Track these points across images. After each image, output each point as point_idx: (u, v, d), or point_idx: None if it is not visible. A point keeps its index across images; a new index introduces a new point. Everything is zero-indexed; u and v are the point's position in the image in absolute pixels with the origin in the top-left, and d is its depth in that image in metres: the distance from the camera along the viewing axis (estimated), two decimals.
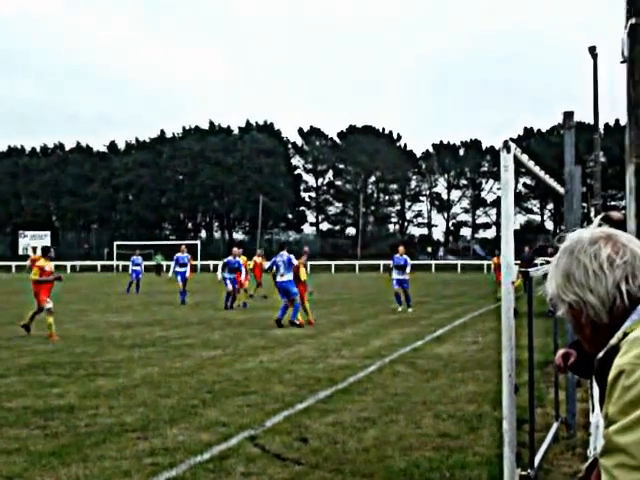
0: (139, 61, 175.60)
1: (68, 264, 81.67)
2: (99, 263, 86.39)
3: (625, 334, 1.77)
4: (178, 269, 30.84)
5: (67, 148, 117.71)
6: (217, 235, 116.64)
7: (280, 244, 24.91)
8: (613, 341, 1.79)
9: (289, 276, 21.05)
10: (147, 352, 15.12)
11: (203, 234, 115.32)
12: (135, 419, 9.16)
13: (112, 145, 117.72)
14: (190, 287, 31.37)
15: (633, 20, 3.04)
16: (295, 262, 21.21)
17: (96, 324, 20.91)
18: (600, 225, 2.01)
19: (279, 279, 21.19)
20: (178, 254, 31.44)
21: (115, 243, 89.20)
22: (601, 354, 1.83)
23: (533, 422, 6.63)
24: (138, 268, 38.15)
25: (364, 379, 12.00)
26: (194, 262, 39.94)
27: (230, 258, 27.90)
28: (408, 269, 26.08)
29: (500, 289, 22.44)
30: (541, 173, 7.44)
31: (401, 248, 26.71)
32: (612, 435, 1.64)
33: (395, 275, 25.94)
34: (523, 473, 5.91)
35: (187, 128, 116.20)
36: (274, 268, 21.44)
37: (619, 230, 1.96)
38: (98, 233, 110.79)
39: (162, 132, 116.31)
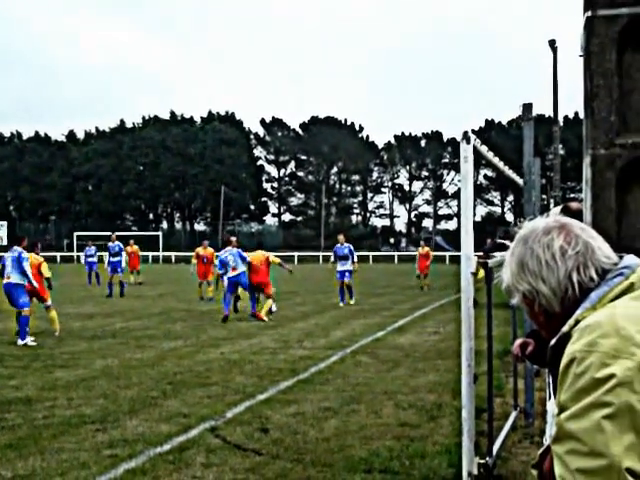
0: (96, 49, 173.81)
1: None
2: (58, 254, 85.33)
3: (577, 321, 1.79)
4: (111, 259, 30.59)
5: (25, 137, 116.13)
6: (178, 226, 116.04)
7: (225, 240, 23.57)
8: (565, 329, 1.81)
9: (242, 268, 20.04)
10: (107, 343, 15.01)
11: (164, 225, 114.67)
12: (94, 411, 9.09)
13: (71, 134, 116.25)
14: (152, 278, 31.14)
15: (589, 13, 3.07)
16: (245, 255, 20.37)
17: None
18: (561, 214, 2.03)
19: (231, 274, 20.10)
20: (109, 243, 31.07)
21: (75, 234, 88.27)
22: (553, 342, 1.85)
23: (492, 411, 6.69)
24: (92, 259, 37.56)
25: (325, 369, 12.02)
26: (157, 253, 39.45)
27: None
28: (354, 258, 24.94)
29: (423, 279, 22.54)
30: (501, 164, 7.49)
31: (341, 237, 25.36)
32: (563, 422, 1.65)
33: (338, 267, 24.74)
34: (481, 461, 5.97)
35: (148, 118, 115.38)
36: (221, 269, 20.78)
37: (575, 220, 1.97)
38: (57, 224, 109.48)
39: (122, 122, 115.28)
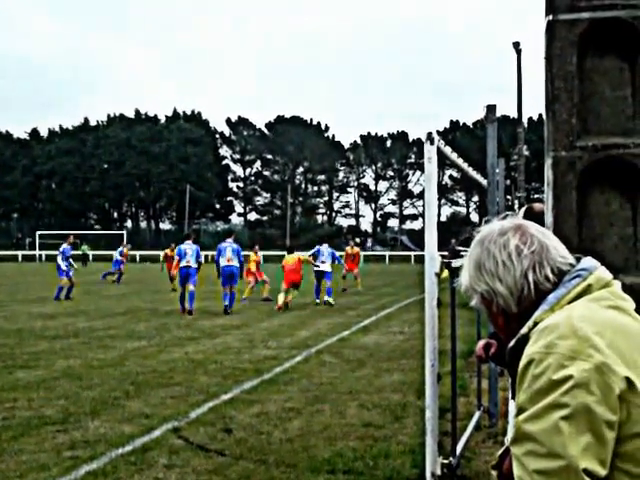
0: (61, 47, 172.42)
1: None
2: (20, 253, 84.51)
3: (535, 323, 1.81)
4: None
5: None
6: (143, 225, 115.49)
7: (185, 235, 24.33)
8: (523, 330, 1.83)
9: (194, 264, 21.58)
10: (69, 343, 14.87)
11: (129, 224, 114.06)
12: (55, 412, 8.99)
13: (34, 132, 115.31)
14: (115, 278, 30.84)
15: (550, 17, 3.10)
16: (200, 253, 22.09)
17: (16, 315, 20.47)
18: (523, 217, 2.06)
19: (225, 264, 21.65)
20: (64, 245, 29.92)
21: (38, 232, 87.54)
22: (512, 343, 1.87)
23: (455, 411, 6.72)
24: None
25: (290, 369, 12.01)
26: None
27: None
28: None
29: (354, 280, 22.88)
30: (464, 165, 7.53)
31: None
32: (522, 423, 1.67)
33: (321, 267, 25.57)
34: (445, 461, 5.99)
35: (112, 116, 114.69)
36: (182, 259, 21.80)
37: (530, 222, 1.99)
38: (19, 222, 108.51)
39: (86, 120, 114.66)
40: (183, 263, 21.37)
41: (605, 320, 1.76)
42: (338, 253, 27.79)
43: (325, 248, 25.98)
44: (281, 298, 22.40)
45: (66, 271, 26.60)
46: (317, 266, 25.56)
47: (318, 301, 24.63)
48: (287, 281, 22.93)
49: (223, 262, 21.58)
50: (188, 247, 21.58)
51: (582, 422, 1.61)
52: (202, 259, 21.27)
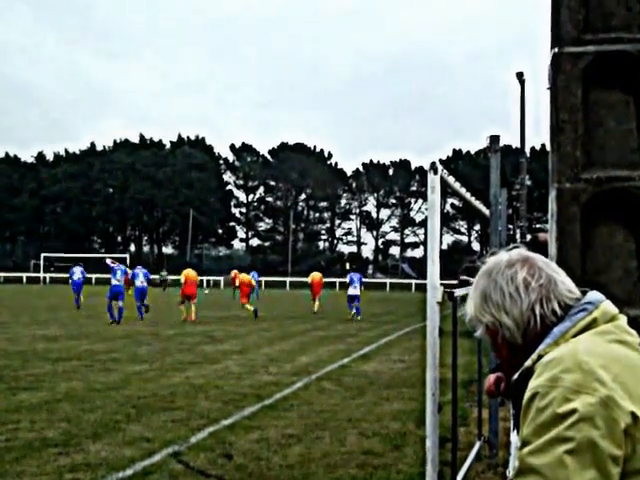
0: (68, 73, 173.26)
1: None
2: (25, 275, 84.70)
3: (540, 356, 1.81)
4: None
5: None
6: (146, 249, 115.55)
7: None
8: (528, 363, 1.83)
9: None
10: (72, 366, 14.86)
11: (132, 248, 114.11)
12: (57, 434, 8.99)
13: (40, 156, 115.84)
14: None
15: (556, 49, 3.12)
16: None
17: (20, 337, 20.47)
18: (528, 247, 2.05)
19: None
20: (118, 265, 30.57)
21: (42, 255, 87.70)
22: (516, 376, 1.87)
23: (456, 441, 6.69)
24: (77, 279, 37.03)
25: (290, 396, 11.98)
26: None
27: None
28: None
29: (313, 303, 24.36)
30: (467, 195, 7.55)
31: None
32: (525, 456, 1.66)
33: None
34: None
35: (118, 141, 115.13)
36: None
37: (538, 254, 2.00)
38: (25, 245, 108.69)
39: (92, 145, 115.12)
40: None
41: (610, 354, 1.75)
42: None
43: (355, 275, 32.27)
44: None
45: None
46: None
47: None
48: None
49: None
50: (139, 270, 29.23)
51: (587, 456, 1.59)
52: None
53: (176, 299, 31.75)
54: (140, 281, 29.36)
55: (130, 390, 12.17)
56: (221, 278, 77.50)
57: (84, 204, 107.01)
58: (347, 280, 32.67)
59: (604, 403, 1.62)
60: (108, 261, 29.58)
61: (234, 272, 40.54)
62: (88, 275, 61.50)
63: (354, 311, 30.98)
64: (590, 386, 1.65)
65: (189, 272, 29.44)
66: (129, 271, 30.42)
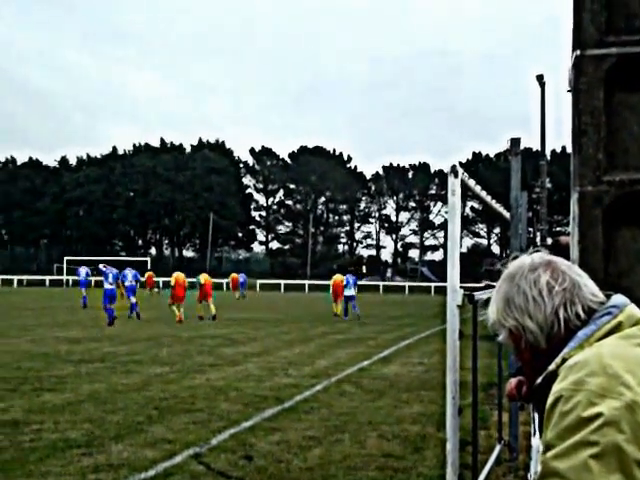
0: (90, 78, 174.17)
1: (15, 278, 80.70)
2: (48, 278, 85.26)
3: (563, 360, 1.79)
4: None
5: (18, 163, 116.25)
6: (167, 252, 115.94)
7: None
8: (551, 367, 1.82)
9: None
10: (94, 368, 14.95)
11: (153, 251, 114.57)
12: (80, 435, 9.06)
13: (63, 160, 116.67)
14: (140, 304, 31.01)
15: (578, 52, 3.11)
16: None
17: (43, 339, 20.61)
18: (549, 250, 2.04)
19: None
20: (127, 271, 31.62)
21: (65, 258, 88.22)
22: (539, 380, 1.86)
23: (476, 444, 6.69)
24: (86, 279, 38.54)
25: (310, 398, 12.00)
26: (142, 279, 39.61)
27: None
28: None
29: (335, 305, 24.86)
30: (488, 198, 7.55)
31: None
32: (549, 460, 1.64)
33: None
34: None
35: (139, 145, 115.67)
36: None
37: (560, 257, 2.00)
38: (48, 248, 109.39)
39: (114, 149, 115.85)
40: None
41: (636, 358, 1.73)
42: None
43: (350, 277, 33.72)
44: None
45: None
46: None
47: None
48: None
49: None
50: (128, 272, 31.22)
51: (612, 461, 1.56)
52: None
53: (191, 301, 31.79)
54: (129, 281, 31.14)
55: (151, 392, 12.23)
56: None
57: (106, 207, 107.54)
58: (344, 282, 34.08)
59: (630, 407, 1.60)
60: (101, 266, 30.71)
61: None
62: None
63: (348, 309, 32.99)
64: (615, 390, 1.63)
65: (178, 275, 30.75)
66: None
